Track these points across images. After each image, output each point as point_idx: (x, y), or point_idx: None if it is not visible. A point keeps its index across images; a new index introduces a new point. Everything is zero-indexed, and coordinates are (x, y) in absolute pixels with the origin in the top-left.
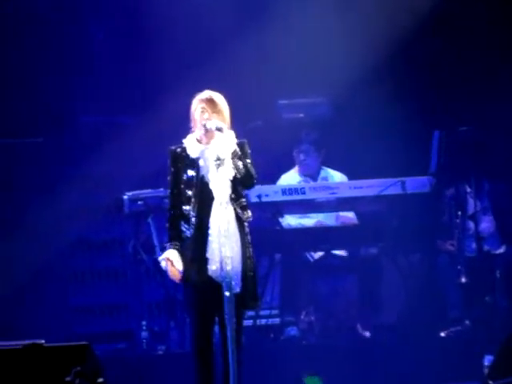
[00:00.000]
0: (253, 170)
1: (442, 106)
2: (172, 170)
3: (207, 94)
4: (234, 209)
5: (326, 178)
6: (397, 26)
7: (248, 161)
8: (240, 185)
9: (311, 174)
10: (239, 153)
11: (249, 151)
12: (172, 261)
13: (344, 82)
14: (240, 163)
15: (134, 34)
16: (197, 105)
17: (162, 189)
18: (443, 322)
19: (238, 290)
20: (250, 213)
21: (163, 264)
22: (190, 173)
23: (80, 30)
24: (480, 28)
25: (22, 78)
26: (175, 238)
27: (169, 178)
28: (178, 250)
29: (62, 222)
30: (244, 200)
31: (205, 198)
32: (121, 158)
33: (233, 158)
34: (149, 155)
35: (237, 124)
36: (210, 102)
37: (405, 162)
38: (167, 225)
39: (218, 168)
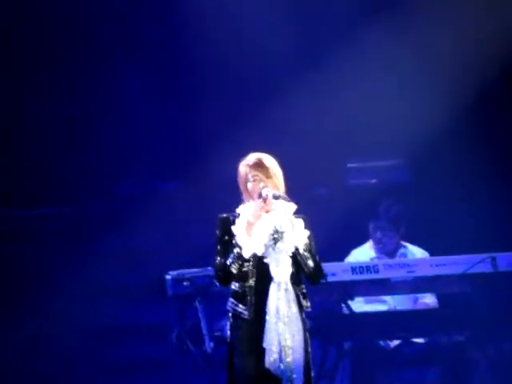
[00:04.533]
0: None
1: None
2: (224, 239)
3: (256, 158)
4: (296, 293)
5: (404, 255)
6: (482, 77)
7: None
8: (306, 278)
9: (388, 253)
10: (311, 241)
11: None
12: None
13: (424, 140)
14: (310, 256)
15: (174, 88)
16: (246, 173)
17: (211, 267)
18: None
19: None
20: (309, 302)
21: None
22: None
23: (115, 86)
24: None
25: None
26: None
27: (218, 248)
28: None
29: (95, 304)
30: (304, 286)
31: (262, 276)
32: (163, 230)
33: (304, 250)
34: (196, 227)
35: (298, 192)
36: (261, 167)
37: (496, 235)
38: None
39: (275, 242)
